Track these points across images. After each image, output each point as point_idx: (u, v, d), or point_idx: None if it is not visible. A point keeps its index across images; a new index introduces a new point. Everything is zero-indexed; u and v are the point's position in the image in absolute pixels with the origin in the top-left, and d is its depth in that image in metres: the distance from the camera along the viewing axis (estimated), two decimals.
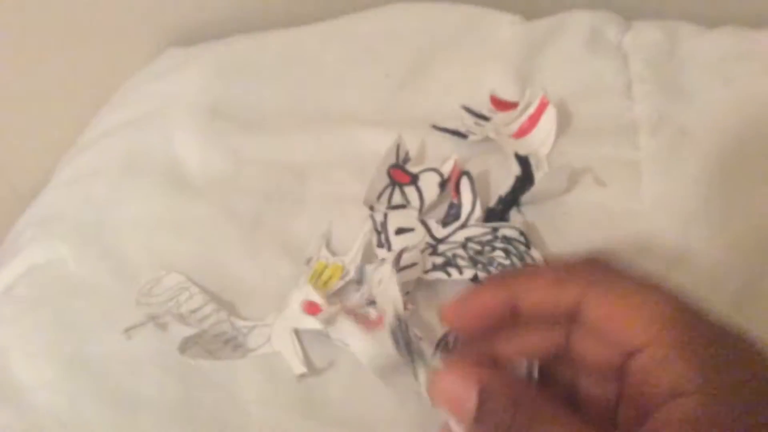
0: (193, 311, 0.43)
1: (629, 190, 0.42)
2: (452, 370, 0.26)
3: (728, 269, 0.38)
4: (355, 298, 0.39)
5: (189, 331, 0.41)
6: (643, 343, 0.25)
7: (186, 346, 0.40)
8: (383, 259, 0.40)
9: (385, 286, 0.37)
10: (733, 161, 0.42)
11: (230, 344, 0.42)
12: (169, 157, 0.51)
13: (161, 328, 0.42)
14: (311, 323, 0.39)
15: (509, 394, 0.25)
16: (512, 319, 0.28)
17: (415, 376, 0.31)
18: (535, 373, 0.28)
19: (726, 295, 0.37)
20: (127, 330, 0.41)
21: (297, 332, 0.40)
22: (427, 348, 0.33)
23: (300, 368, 0.39)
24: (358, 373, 0.39)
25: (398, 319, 0.33)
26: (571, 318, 0.27)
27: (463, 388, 0.25)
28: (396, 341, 0.33)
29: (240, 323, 0.42)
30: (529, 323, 0.28)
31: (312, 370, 0.39)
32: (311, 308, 0.40)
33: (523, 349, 0.28)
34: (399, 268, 0.37)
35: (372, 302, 0.38)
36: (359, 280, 0.40)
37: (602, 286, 0.26)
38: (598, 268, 0.27)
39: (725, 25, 0.50)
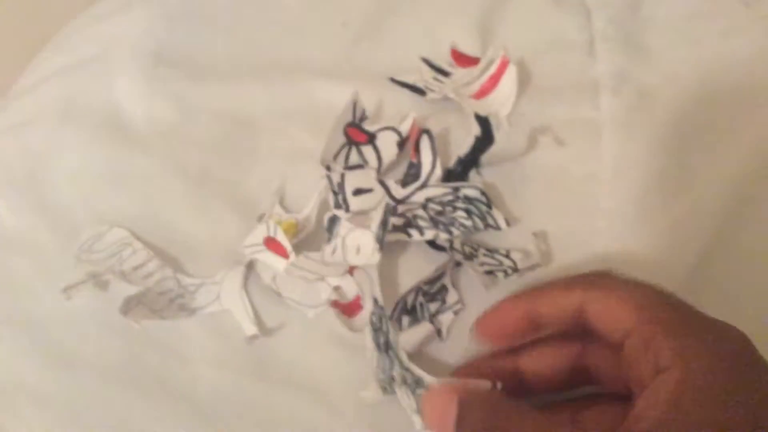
0: (136, 268, 0.41)
1: (588, 151, 0.41)
2: (435, 390, 0.31)
3: (687, 233, 0.38)
4: (326, 253, 0.38)
5: (131, 289, 0.40)
6: (631, 327, 0.28)
7: (128, 306, 0.38)
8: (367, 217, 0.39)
9: (366, 263, 0.36)
10: (694, 124, 0.42)
11: (176, 302, 0.40)
12: (110, 105, 0.47)
13: (102, 287, 0.40)
14: (273, 260, 0.38)
15: (487, 403, 0.29)
16: (535, 329, 0.32)
17: (385, 376, 0.34)
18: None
19: (686, 258, 0.38)
20: (67, 289, 0.39)
21: (247, 291, 0.39)
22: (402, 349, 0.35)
23: (251, 329, 0.38)
24: (310, 334, 0.38)
25: (380, 317, 0.33)
26: (585, 331, 0.31)
27: (444, 405, 0.29)
28: (376, 341, 0.33)
29: (186, 280, 0.41)
30: (549, 338, 0.33)
31: (263, 330, 0.38)
32: (273, 245, 0.39)
33: (542, 361, 0.33)
34: (381, 238, 0.36)
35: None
36: (329, 230, 0.39)
37: (600, 287, 0.30)
38: (597, 275, 0.32)
39: None
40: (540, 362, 0.33)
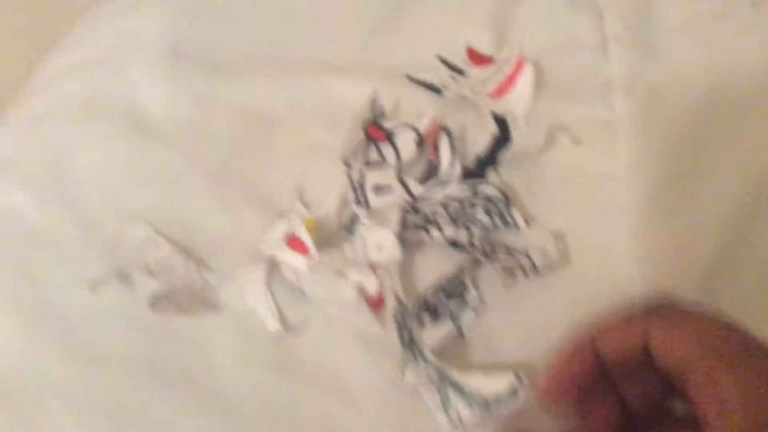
0: (160, 262, 0.42)
1: (604, 150, 0.42)
2: None
3: (704, 229, 0.39)
4: (347, 251, 0.39)
5: (156, 284, 0.40)
6: (693, 360, 0.27)
7: (155, 301, 0.39)
8: (382, 216, 0.40)
9: (387, 260, 0.38)
10: (707, 123, 0.42)
11: (199, 297, 0.41)
12: (130, 101, 0.48)
13: (127, 281, 0.41)
14: (294, 259, 0.39)
15: None
16: (602, 372, 0.31)
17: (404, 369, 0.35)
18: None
19: (704, 254, 0.38)
20: (92, 283, 0.40)
21: (271, 288, 0.40)
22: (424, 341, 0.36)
23: (275, 325, 0.39)
24: (333, 332, 0.39)
25: (403, 314, 0.34)
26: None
27: None
28: (401, 336, 0.34)
29: (209, 275, 0.41)
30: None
31: (286, 327, 0.39)
32: (295, 243, 0.39)
33: (640, 385, 0.31)
34: (402, 236, 0.38)
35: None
36: (350, 229, 0.40)
37: (660, 318, 0.29)
38: (658, 306, 0.30)
39: None
40: (638, 386, 0.32)
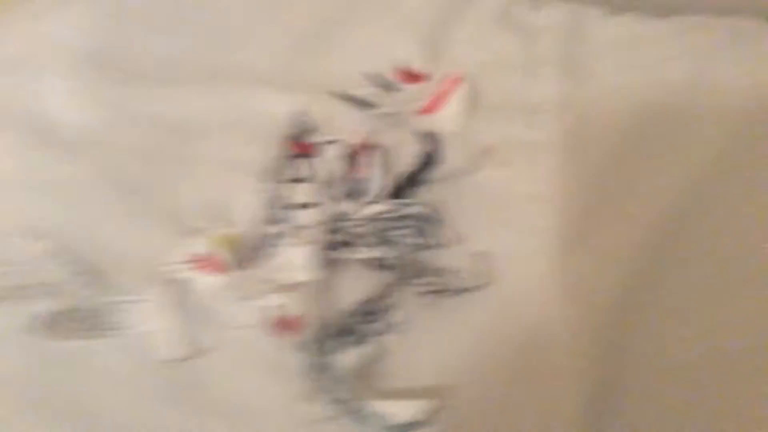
0: (55, 281, 0.39)
1: (530, 172, 0.42)
2: None
3: (621, 253, 0.39)
4: (264, 270, 0.37)
5: (47, 304, 0.37)
6: None
7: (41, 324, 0.36)
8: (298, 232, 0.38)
9: (306, 281, 0.35)
10: (633, 147, 0.43)
11: (94, 321, 0.38)
12: (36, 108, 0.45)
13: (13, 302, 0.38)
14: (204, 279, 0.37)
15: None
16: None
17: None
18: None
19: (623, 275, 0.38)
20: None
21: (174, 310, 0.37)
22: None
23: (171, 351, 0.36)
24: (240, 356, 0.36)
25: (318, 337, 0.32)
26: None
27: None
28: (311, 362, 0.32)
29: (107, 298, 0.38)
30: None
31: (186, 352, 0.36)
32: (206, 263, 0.37)
33: None
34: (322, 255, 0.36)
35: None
36: (260, 247, 0.38)
37: None
38: None
39: (630, 11, 0.50)
40: None
